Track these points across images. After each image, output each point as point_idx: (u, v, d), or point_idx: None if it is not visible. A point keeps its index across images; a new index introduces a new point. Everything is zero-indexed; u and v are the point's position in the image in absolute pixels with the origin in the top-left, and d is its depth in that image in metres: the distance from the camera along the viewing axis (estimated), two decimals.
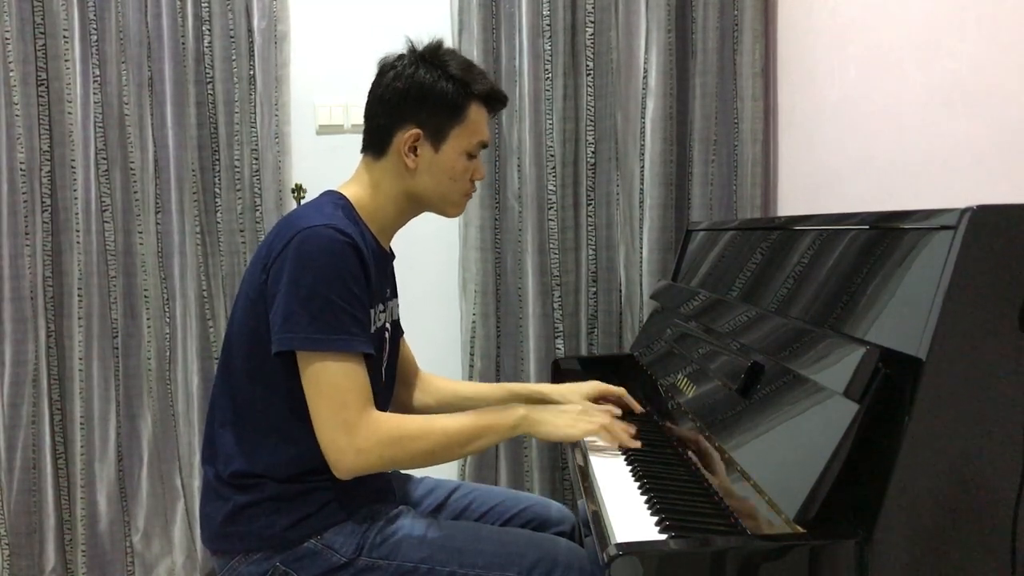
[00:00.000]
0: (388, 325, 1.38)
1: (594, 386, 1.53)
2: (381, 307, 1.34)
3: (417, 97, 1.30)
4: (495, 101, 1.37)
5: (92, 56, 2.28)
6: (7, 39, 2.24)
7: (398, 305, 1.48)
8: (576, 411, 1.34)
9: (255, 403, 1.26)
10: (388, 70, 1.33)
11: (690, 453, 1.27)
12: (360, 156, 1.38)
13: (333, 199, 1.31)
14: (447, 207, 1.38)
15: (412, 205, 1.37)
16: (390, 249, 1.42)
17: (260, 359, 1.24)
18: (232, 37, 2.28)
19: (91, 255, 2.31)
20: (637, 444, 1.31)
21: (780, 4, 2.18)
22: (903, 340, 0.86)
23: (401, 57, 1.34)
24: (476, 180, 1.38)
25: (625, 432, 1.32)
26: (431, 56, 1.32)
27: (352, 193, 1.34)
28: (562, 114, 2.25)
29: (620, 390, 1.52)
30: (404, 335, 1.56)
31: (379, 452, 1.20)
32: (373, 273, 1.25)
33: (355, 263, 1.20)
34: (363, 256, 1.21)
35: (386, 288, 1.38)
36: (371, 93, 1.35)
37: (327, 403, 1.18)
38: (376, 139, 1.34)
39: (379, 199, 1.34)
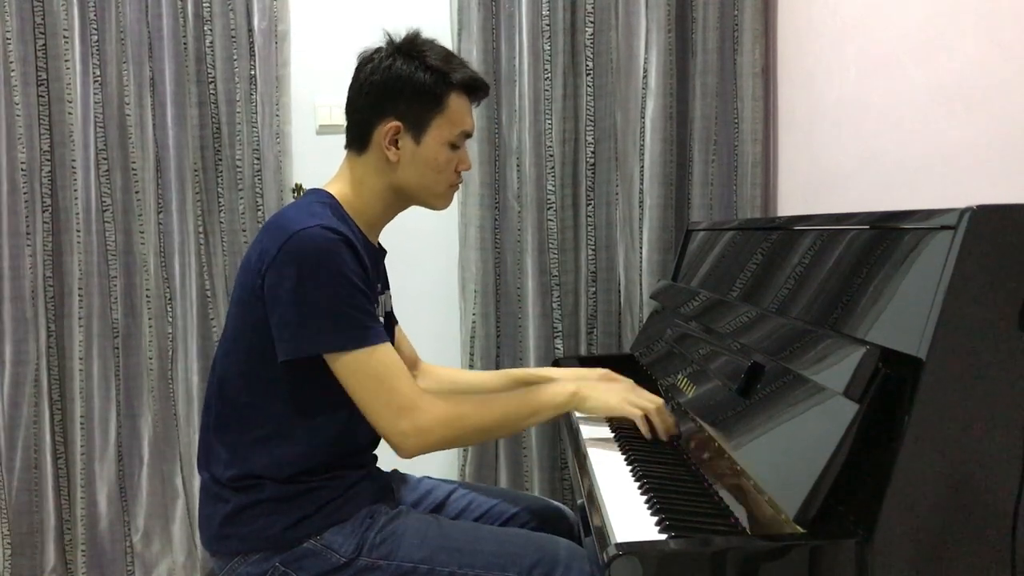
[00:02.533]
0: (382, 318, 1.39)
1: (604, 374, 1.53)
2: (376, 302, 1.34)
3: (395, 89, 1.29)
4: (476, 89, 1.35)
5: (92, 56, 2.28)
6: (7, 39, 2.25)
7: (390, 297, 1.49)
8: (627, 387, 1.36)
9: (252, 406, 1.26)
10: (365, 64, 1.33)
11: (690, 453, 1.27)
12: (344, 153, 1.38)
13: (319, 198, 1.31)
14: (433, 199, 1.37)
15: (398, 199, 1.36)
16: (379, 244, 1.42)
17: (257, 362, 1.23)
18: (233, 37, 2.28)
19: (91, 255, 2.32)
20: (666, 438, 1.32)
21: (780, 4, 2.18)
22: (903, 340, 0.86)
23: (379, 50, 1.33)
24: (462, 171, 1.37)
25: (664, 424, 1.32)
26: (408, 47, 1.31)
27: (337, 191, 1.34)
28: (562, 114, 2.25)
29: (629, 382, 1.49)
30: (398, 325, 1.56)
31: (440, 432, 1.21)
32: (368, 267, 1.26)
33: (352, 258, 1.20)
34: (357, 251, 1.22)
35: (378, 283, 1.38)
36: (350, 88, 1.35)
37: (375, 395, 1.19)
38: (357, 134, 1.33)
39: (364, 195, 1.34)
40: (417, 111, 1.30)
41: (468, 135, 1.36)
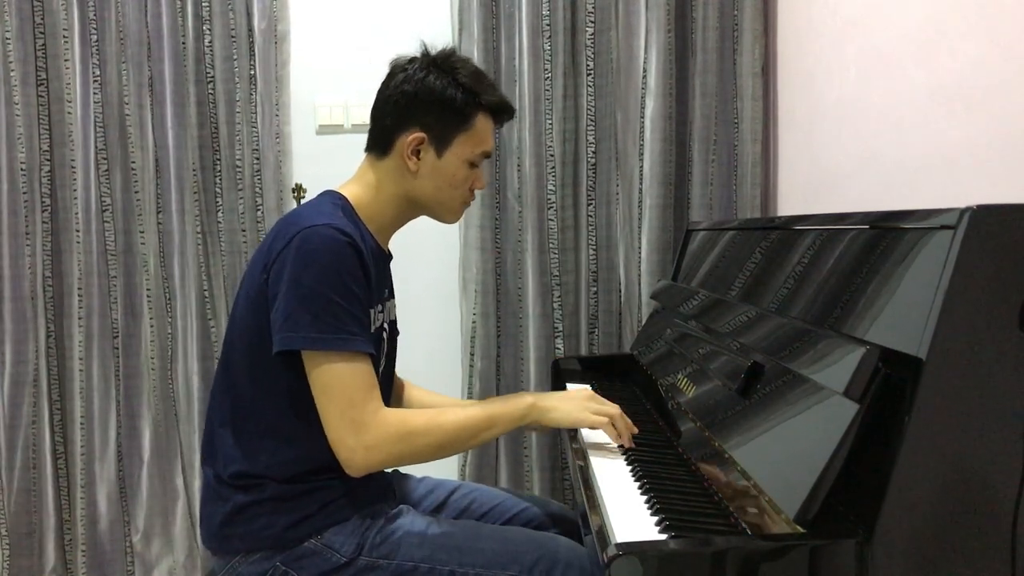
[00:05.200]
0: (386, 325, 1.38)
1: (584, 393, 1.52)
2: (379, 307, 1.34)
3: (425, 101, 1.30)
4: (503, 113, 1.37)
5: (92, 56, 2.28)
6: (7, 39, 2.24)
7: (395, 306, 1.49)
8: (584, 397, 1.34)
9: (255, 403, 1.26)
10: (398, 72, 1.34)
11: (690, 453, 1.27)
12: (363, 156, 1.39)
13: (332, 199, 1.31)
14: (445, 213, 1.38)
15: (411, 208, 1.37)
16: (388, 250, 1.42)
17: (260, 359, 1.24)
18: (232, 37, 2.28)
19: (91, 255, 2.31)
20: (631, 444, 1.31)
21: (780, 4, 2.18)
22: (903, 340, 0.86)
23: (413, 60, 1.34)
24: (476, 189, 1.39)
25: (628, 430, 1.32)
26: (443, 62, 1.33)
27: (352, 193, 1.34)
28: (562, 114, 2.25)
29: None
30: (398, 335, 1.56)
31: (389, 449, 1.20)
32: (372, 273, 1.25)
33: (355, 263, 1.20)
34: (363, 256, 1.22)
35: (384, 289, 1.39)
36: (380, 93, 1.36)
37: (334, 402, 1.18)
38: (381, 139, 1.34)
39: (379, 200, 1.35)
40: (443, 126, 1.31)
41: (487, 155, 1.38)
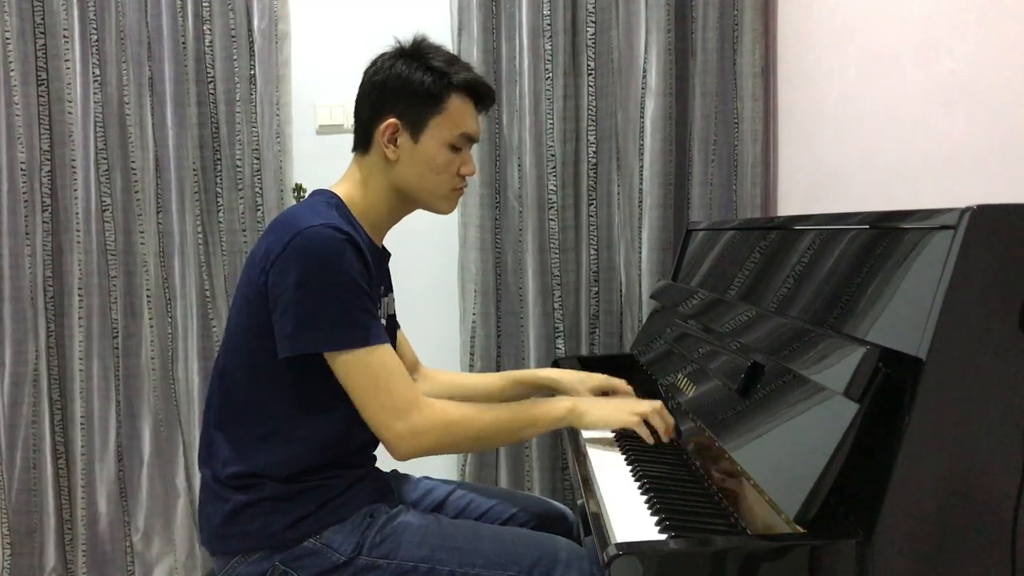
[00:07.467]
0: (384, 321, 1.39)
1: (601, 379, 1.55)
2: (379, 304, 1.34)
3: (394, 88, 1.31)
4: (479, 94, 1.36)
5: (92, 56, 2.28)
6: (7, 39, 2.25)
7: (394, 300, 1.49)
8: (618, 401, 1.37)
9: (254, 404, 1.26)
10: (371, 66, 1.36)
11: (690, 453, 1.27)
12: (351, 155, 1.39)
13: (325, 198, 1.32)
14: (436, 201, 1.37)
15: (401, 201, 1.37)
16: (384, 247, 1.42)
17: (260, 360, 1.24)
18: (233, 36, 2.28)
19: (91, 255, 2.32)
20: (666, 438, 1.32)
21: (780, 4, 2.18)
22: (903, 340, 0.86)
23: (384, 54, 1.35)
24: (464, 175, 1.37)
25: (664, 423, 1.33)
26: (412, 51, 1.34)
27: (343, 192, 1.34)
28: (562, 114, 2.25)
29: (624, 384, 1.52)
30: (400, 329, 1.57)
31: (435, 435, 1.22)
32: (372, 269, 1.26)
33: (357, 259, 1.21)
34: (363, 252, 1.22)
35: (382, 285, 1.39)
36: (357, 91, 1.37)
37: (372, 395, 1.20)
38: (361, 134, 1.35)
39: (369, 196, 1.35)
40: (415, 110, 1.31)
41: (470, 139, 1.36)
